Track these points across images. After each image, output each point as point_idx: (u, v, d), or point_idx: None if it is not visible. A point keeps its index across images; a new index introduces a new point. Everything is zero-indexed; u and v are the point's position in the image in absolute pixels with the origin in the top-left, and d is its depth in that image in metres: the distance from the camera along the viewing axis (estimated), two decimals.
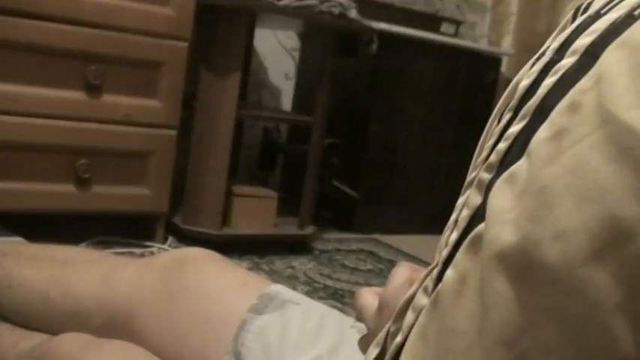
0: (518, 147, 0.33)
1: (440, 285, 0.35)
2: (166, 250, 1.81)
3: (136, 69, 1.71)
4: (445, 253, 0.36)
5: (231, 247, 1.91)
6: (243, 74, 1.98)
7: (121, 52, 1.68)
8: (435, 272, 0.37)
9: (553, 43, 0.36)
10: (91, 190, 1.70)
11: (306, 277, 1.86)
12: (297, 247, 2.08)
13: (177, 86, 1.77)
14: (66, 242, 1.03)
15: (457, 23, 2.71)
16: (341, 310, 1.54)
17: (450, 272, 0.34)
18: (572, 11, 0.39)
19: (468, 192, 0.37)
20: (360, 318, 0.54)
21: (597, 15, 0.34)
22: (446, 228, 0.40)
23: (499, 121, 0.38)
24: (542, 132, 0.31)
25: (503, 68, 2.80)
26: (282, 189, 2.35)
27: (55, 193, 1.66)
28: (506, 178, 0.32)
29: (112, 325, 0.81)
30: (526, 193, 0.30)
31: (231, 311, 0.75)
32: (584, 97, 0.30)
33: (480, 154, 0.39)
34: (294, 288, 1.71)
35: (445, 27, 2.65)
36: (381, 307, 0.50)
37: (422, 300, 0.38)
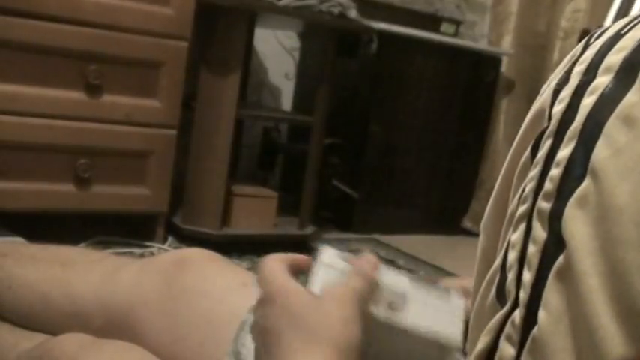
0: (577, 169, 0.33)
1: (535, 329, 0.34)
2: (166, 250, 1.81)
3: (136, 69, 1.71)
4: (525, 295, 0.35)
5: (231, 247, 1.91)
6: (243, 74, 1.98)
7: (120, 52, 1.68)
8: (517, 318, 0.35)
9: (576, 67, 0.36)
10: (91, 190, 1.70)
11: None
12: (296, 247, 2.08)
13: (177, 86, 1.77)
14: (66, 242, 1.03)
15: (457, 23, 2.71)
16: None
17: (543, 314, 0.33)
18: (583, 41, 0.39)
19: (522, 226, 0.36)
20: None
21: (618, 35, 0.34)
22: (496, 267, 0.38)
23: (534, 150, 0.37)
24: (602, 150, 0.31)
25: (503, 68, 2.80)
26: (282, 189, 2.35)
27: (55, 193, 1.66)
28: (577, 204, 0.32)
29: (112, 325, 0.81)
30: (605, 217, 0.30)
31: (231, 311, 0.75)
32: (636, 110, 0.30)
33: (517, 188, 0.38)
34: None
35: (445, 27, 2.65)
36: (268, 301, 0.51)
37: (509, 350, 0.36)
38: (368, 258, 0.54)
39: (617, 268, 0.29)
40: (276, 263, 0.53)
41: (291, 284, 0.51)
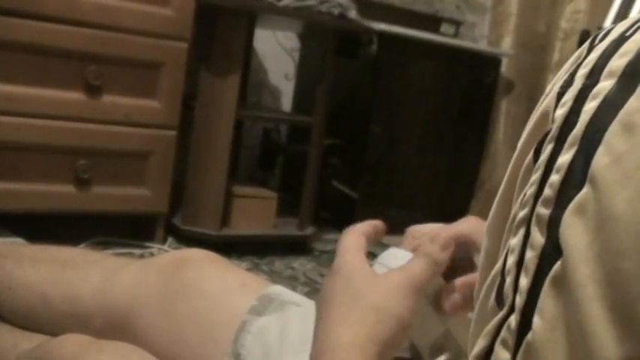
0: (577, 176, 0.33)
1: (530, 335, 0.34)
2: (166, 250, 1.81)
3: (136, 69, 1.71)
4: (521, 300, 0.35)
5: (231, 247, 1.91)
6: (242, 75, 1.98)
7: (120, 53, 1.68)
8: (512, 323, 0.36)
9: (580, 71, 0.36)
10: (91, 191, 1.70)
11: (306, 277, 1.86)
12: (296, 247, 2.08)
13: (176, 87, 1.77)
14: (66, 242, 1.03)
15: (457, 24, 2.71)
16: None
17: (537, 320, 0.33)
18: (587, 42, 0.38)
19: (521, 231, 0.36)
20: None
21: (623, 38, 0.34)
22: (497, 271, 0.39)
23: (536, 153, 0.37)
24: (602, 157, 0.31)
25: (503, 69, 2.80)
26: (281, 189, 2.35)
27: (55, 193, 1.66)
28: (575, 211, 0.32)
29: (111, 326, 0.81)
30: (603, 225, 0.30)
31: (231, 312, 0.75)
32: (638, 116, 0.30)
33: (520, 191, 0.38)
34: (294, 289, 1.71)
35: (445, 27, 2.65)
36: (333, 272, 0.55)
37: (504, 355, 0.36)
38: (445, 241, 0.57)
39: (614, 277, 0.29)
40: (353, 238, 0.58)
41: (359, 261, 0.55)
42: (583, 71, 0.35)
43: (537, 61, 2.86)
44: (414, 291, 0.53)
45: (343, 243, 0.57)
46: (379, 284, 0.53)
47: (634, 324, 0.28)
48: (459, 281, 0.60)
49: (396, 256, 0.59)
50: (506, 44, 2.84)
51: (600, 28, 2.60)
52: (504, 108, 2.86)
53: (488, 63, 2.68)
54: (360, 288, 0.52)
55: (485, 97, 2.71)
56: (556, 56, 2.81)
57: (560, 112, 0.35)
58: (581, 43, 2.52)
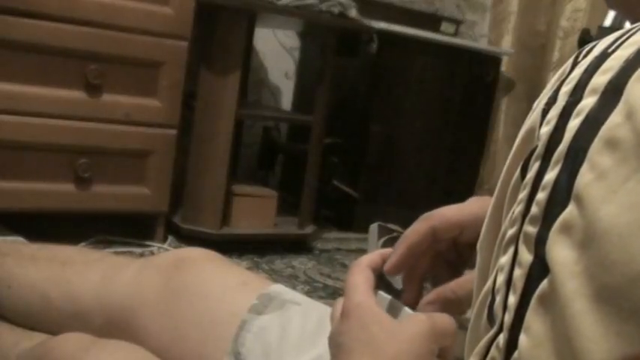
0: (561, 194, 0.33)
1: (516, 353, 0.34)
2: (166, 249, 1.81)
3: (136, 68, 1.71)
4: (509, 319, 0.35)
5: (231, 246, 1.91)
6: (243, 73, 1.98)
7: (121, 52, 1.68)
8: (501, 341, 0.36)
9: (563, 87, 0.36)
10: (91, 190, 1.70)
11: (306, 276, 1.86)
12: (297, 246, 2.08)
13: (177, 86, 1.77)
14: (66, 242, 1.03)
15: (457, 22, 2.71)
16: None
17: (523, 338, 0.33)
18: (572, 58, 0.38)
19: (511, 249, 0.36)
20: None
21: (605, 54, 0.34)
22: (488, 289, 0.38)
23: (523, 171, 0.37)
24: (586, 174, 0.31)
25: (503, 67, 2.80)
26: (282, 188, 2.35)
27: (55, 192, 1.66)
28: (561, 229, 0.32)
29: (112, 325, 0.81)
30: (589, 241, 0.30)
31: (231, 311, 0.75)
32: (620, 131, 0.30)
33: (509, 209, 0.38)
34: (294, 287, 1.71)
35: (445, 26, 2.65)
36: (345, 316, 0.50)
37: None
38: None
39: (603, 291, 0.29)
40: (360, 273, 0.53)
41: (371, 304, 0.50)
42: (566, 88, 0.35)
43: (537, 60, 2.86)
44: (434, 340, 0.49)
45: (350, 280, 0.53)
46: (398, 333, 0.49)
47: (624, 333, 0.28)
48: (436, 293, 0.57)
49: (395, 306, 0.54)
50: (507, 43, 2.84)
51: (600, 26, 2.60)
52: (504, 107, 2.86)
53: (488, 62, 2.68)
54: (380, 347, 0.48)
55: (485, 95, 2.71)
56: (556, 55, 2.81)
57: (545, 129, 0.35)
58: (581, 42, 2.52)
